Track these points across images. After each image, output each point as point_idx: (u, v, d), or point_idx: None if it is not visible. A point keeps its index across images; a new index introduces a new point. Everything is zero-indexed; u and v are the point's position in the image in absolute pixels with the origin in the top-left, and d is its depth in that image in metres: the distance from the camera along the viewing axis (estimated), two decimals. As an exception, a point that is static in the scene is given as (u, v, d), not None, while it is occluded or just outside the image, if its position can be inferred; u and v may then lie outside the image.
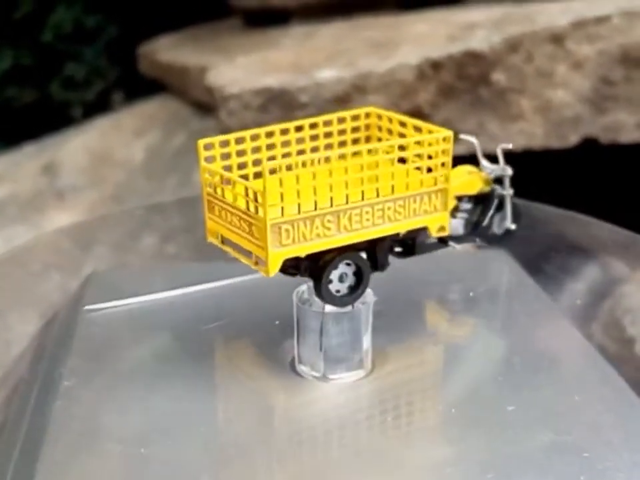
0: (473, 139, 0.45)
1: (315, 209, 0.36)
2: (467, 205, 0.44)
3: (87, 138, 1.13)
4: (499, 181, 0.45)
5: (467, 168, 0.44)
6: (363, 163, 0.37)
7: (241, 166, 0.41)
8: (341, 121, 0.44)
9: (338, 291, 0.39)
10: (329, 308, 0.39)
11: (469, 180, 0.44)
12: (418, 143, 0.39)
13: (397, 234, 0.40)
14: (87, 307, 0.48)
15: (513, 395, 0.38)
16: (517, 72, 0.75)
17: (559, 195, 0.66)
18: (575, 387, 0.40)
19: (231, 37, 1.11)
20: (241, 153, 0.41)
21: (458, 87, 0.75)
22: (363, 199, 0.38)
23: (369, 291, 0.40)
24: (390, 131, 0.44)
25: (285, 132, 0.42)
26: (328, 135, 0.43)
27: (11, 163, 1.13)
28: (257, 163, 0.41)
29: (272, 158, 0.41)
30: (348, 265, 0.39)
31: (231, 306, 0.47)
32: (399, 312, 0.45)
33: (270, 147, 0.42)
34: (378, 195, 0.38)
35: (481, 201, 0.45)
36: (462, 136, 0.45)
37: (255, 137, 0.41)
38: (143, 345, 0.44)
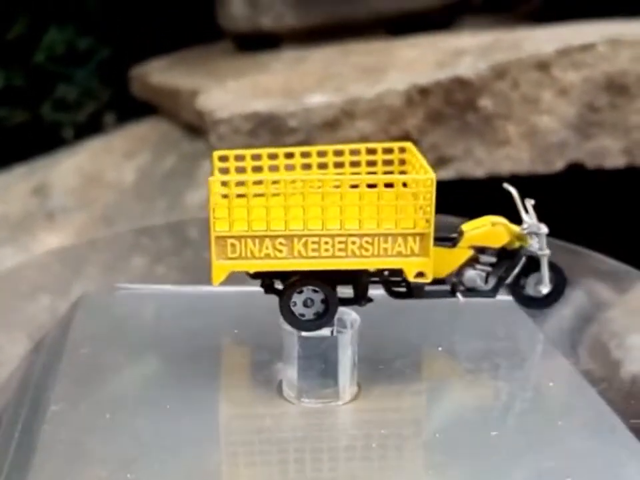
0: (512, 190, 0.43)
1: (267, 229, 0.37)
2: (490, 259, 0.42)
3: (78, 159, 1.13)
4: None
5: (492, 218, 0.43)
6: (325, 192, 0.37)
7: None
8: (371, 152, 0.43)
9: (302, 315, 0.39)
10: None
11: (491, 231, 0.42)
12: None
13: (380, 271, 0.40)
14: (76, 330, 0.48)
15: (497, 420, 0.39)
16: (504, 98, 0.77)
17: (545, 220, 0.67)
18: (558, 412, 0.40)
19: (222, 61, 1.11)
20: (241, 170, 0.42)
21: (445, 112, 0.76)
22: (322, 228, 0.38)
23: (354, 316, 0.40)
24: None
25: (305, 155, 0.43)
26: (355, 164, 0.43)
27: (1, 184, 1.13)
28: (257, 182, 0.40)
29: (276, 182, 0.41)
30: (315, 291, 0.39)
31: (221, 327, 0.48)
32: (385, 344, 0.45)
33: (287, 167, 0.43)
34: (341, 227, 0.38)
35: (510, 256, 0.43)
36: (505, 185, 0.44)
37: (272, 156, 0.42)
38: (131, 368, 0.44)
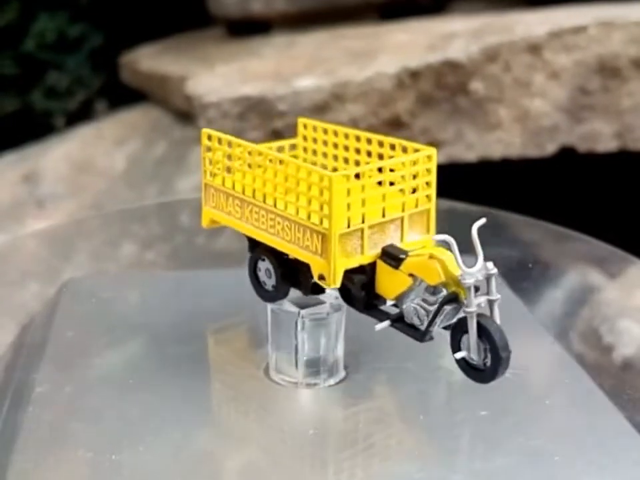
0: (448, 239, 0.35)
1: (232, 188, 0.39)
2: (425, 294, 0.35)
3: (68, 147, 1.12)
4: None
5: (436, 250, 0.35)
6: (274, 169, 0.37)
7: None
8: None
9: (265, 284, 0.40)
10: (303, 311, 0.39)
11: (425, 264, 0.35)
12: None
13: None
14: (62, 313, 0.48)
15: (485, 400, 0.39)
16: (495, 81, 0.76)
17: (536, 204, 0.67)
18: (546, 391, 0.40)
19: (213, 46, 1.11)
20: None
21: (436, 96, 0.75)
22: (264, 201, 0.38)
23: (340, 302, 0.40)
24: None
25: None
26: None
27: (-9, 171, 1.13)
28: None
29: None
30: (273, 264, 0.39)
31: (208, 311, 0.47)
32: (369, 320, 0.45)
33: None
34: (274, 205, 0.38)
35: (448, 301, 0.35)
36: (435, 237, 0.36)
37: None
38: (117, 351, 0.44)
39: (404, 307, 0.36)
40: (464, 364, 0.36)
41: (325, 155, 0.43)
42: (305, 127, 0.44)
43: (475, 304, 0.34)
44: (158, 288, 0.52)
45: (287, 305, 0.40)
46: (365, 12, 1.06)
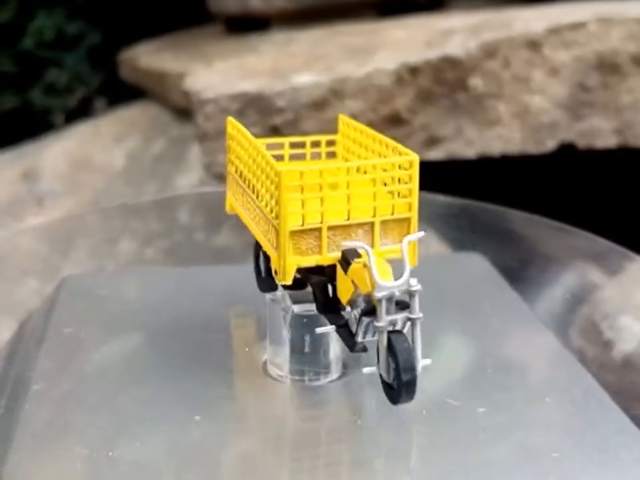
0: (362, 245, 0.34)
1: (238, 173, 0.40)
2: (362, 303, 0.34)
3: (67, 144, 1.12)
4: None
5: (377, 260, 0.34)
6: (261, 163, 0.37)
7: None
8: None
9: (262, 272, 0.41)
10: (295, 306, 0.39)
11: (357, 271, 0.34)
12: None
13: None
14: (59, 310, 0.47)
15: (484, 397, 0.38)
16: (494, 77, 0.76)
17: (536, 200, 0.67)
18: (546, 388, 0.40)
19: (211, 43, 1.11)
20: None
21: (436, 92, 0.75)
22: (253, 191, 0.38)
23: None
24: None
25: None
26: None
27: (-10, 169, 1.12)
28: None
29: None
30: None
31: (207, 307, 0.47)
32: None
33: None
34: (257, 197, 0.38)
35: (365, 313, 0.34)
36: (345, 244, 0.35)
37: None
38: (114, 348, 0.43)
39: (351, 314, 0.35)
40: (382, 379, 0.35)
41: (358, 155, 0.43)
42: (346, 124, 0.44)
43: (387, 319, 0.33)
44: (156, 285, 0.52)
45: (282, 298, 0.39)
46: (363, 9, 1.06)
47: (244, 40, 1.06)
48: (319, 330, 0.36)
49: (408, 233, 0.36)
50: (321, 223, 0.35)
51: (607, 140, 0.79)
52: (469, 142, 0.76)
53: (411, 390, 0.33)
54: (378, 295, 0.32)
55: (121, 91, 1.28)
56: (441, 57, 0.75)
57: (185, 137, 1.00)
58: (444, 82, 0.75)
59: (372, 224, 0.36)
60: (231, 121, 0.42)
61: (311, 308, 0.38)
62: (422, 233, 0.35)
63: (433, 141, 0.76)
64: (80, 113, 1.38)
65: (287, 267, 0.35)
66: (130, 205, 0.79)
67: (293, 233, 0.35)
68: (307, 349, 0.39)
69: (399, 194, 0.37)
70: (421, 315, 0.33)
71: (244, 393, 0.39)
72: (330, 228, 0.36)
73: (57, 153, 1.11)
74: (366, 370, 0.35)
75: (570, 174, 0.88)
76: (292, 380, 0.39)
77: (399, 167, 0.36)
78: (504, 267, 0.54)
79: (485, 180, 0.82)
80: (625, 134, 0.80)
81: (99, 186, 1.02)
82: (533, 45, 0.77)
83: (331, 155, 0.44)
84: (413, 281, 0.33)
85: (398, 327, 0.33)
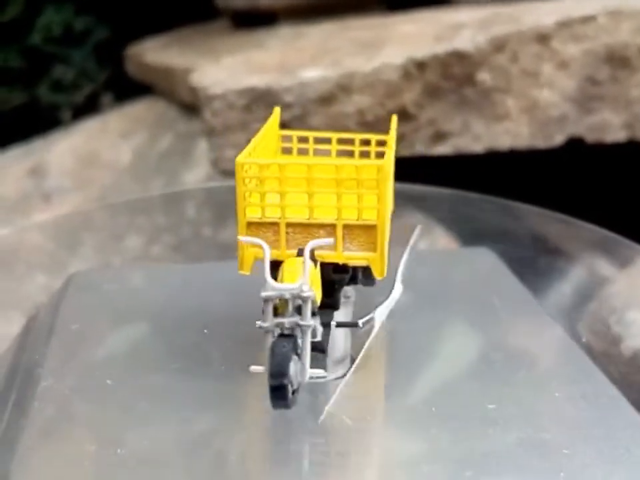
0: (263, 244, 0.34)
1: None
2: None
3: (74, 140, 1.12)
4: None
5: (294, 260, 0.34)
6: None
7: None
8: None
9: None
10: None
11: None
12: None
13: None
14: (66, 306, 0.47)
15: (493, 392, 0.38)
16: (503, 72, 0.75)
17: (545, 194, 0.66)
18: (555, 383, 0.40)
19: (218, 39, 1.10)
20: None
21: (443, 86, 0.75)
22: None
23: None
24: None
25: None
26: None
27: (-2, 165, 1.13)
28: None
29: None
30: None
31: (214, 303, 0.47)
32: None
33: None
34: None
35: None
36: (242, 239, 0.35)
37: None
38: (122, 344, 0.43)
39: None
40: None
41: None
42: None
43: (271, 321, 0.32)
44: (163, 280, 0.52)
45: None
46: (371, 3, 1.05)
47: (251, 35, 1.06)
48: (258, 323, 0.34)
49: (375, 241, 0.35)
50: (280, 218, 0.35)
51: (616, 134, 0.79)
52: (477, 137, 0.76)
53: (278, 396, 0.32)
54: (262, 294, 0.32)
55: (128, 87, 1.28)
56: (449, 52, 0.74)
57: (192, 133, 1.00)
58: (452, 77, 0.75)
59: (334, 226, 0.35)
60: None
61: None
62: (331, 240, 0.34)
63: (440, 136, 0.75)
64: (87, 109, 1.38)
65: (245, 257, 0.36)
66: (136, 199, 0.79)
67: (251, 225, 0.35)
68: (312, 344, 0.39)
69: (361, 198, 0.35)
70: (311, 322, 0.32)
71: (251, 387, 0.39)
72: (290, 225, 0.35)
73: (64, 149, 1.11)
74: (253, 368, 0.34)
75: (579, 168, 0.88)
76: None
77: (353, 171, 0.35)
78: (512, 260, 0.54)
79: (493, 175, 0.81)
80: (635, 128, 0.79)
81: (106, 182, 1.02)
82: (542, 38, 0.76)
83: (380, 155, 0.43)
84: (306, 287, 0.32)
85: (296, 331, 0.32)
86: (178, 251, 0.69)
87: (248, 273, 0.36)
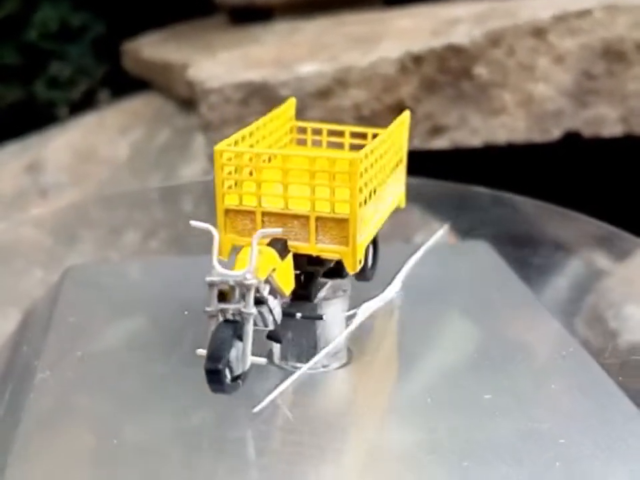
0: (212, 230, 0.34)
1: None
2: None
3: (71, 136, 1.12)
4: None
5: (245, 251, 0.34)
6: None
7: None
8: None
9: None
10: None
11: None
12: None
13: None
14: (63, 300, 0.47)
15: (491, 383, 0.38)
16: (499, 66, 0.75)
17: (543, 188, 0.66)
18: (552, 375, 0.40)
19: (215, 34, 1.10)
20: None
21: (440, 80, 0.75)
22: None
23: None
24: None
25: None
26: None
27: (-5, 161, 1.12)
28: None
29: None
30: None
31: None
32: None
33: None
34: None
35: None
36: (194, 223, 0.35)
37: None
38: (118, 337, 0.43)
39: None
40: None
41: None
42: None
43: (215, 306, 0.33)
44: (160, 274, 0.51)
45: None
46: (368, -2, 1.05)
47: (247, 31, 1.06)
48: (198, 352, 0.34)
49: (347, 235, 0.35)
50: (255, 206, 0.36)
51: (612, 128, 0.79)
52: (474, 131, 0.76)
53: (213, 379, 0.32)
54: (206, 278, 0.32)
55: (125, 83, 1.27)
56: (446, 46, 0.74)
57: (189, 128, 0.99)
58: (448, 71, 0.75)
59: (308, 218, 0.36)
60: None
61: None
62: (279, 230, 0.34)
63: (437, 130, 0.75)
64: (84, 105, 1.38)
65: (223, 243, 0.36)
66: (133, 192, 0.79)
67: (230, 212, 0.36)
68: (311, 336, 0.39)
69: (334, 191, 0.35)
70: (253, 310, 0.33)
71: (250, 378, 0.39)
72: (266, 214, 0.36)
73: (61, 144, 1.11)
74: (199, 351, 0.34)
75: (576, 162, 0.88)
76: (293, 367, 0.39)
77: (338, 165, 0.35)
78: (509, 253, 0.54)
79: (490, 170, 0.82)
80: (631, 122, 0.79)
81: (104, 177, 1.02)
82: (538, 32, 0.76)
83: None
84: (249, 275, 0.32)
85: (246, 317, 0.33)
86: (175, 245, 0.69)
87: (226, 259, 0.36)
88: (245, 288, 0.32)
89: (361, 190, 0.35)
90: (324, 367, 0.39)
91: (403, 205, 0.43)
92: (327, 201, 0.35)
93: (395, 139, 0.40)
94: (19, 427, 0.36)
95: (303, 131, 0.45)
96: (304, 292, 0.36)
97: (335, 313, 0.39)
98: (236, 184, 0.37)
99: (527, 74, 0.76)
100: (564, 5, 0.79)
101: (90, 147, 1.08)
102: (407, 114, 0.42)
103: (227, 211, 0.36)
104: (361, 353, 0.41)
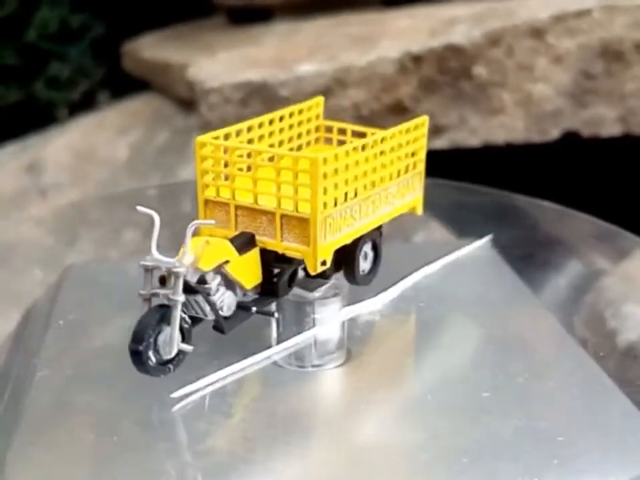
0: (153, 214, 0.35)
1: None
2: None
3: (71, 136, 1.12)
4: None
5: (197, 240, 0.35)
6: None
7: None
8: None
9: None
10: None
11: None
12: None
13: None
14: (63, 298, 0.48)
15: (489, 382, 0.38)
16: (498, 66, 0.76)
17: (542, 188, 0.67)
18: (550, 373, 0.40)
19: (214, 34, 1.11)
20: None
21: (439, 80, 0.75)
22: None
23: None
24: None
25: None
26: None
27: (-6, 162, 1.13)
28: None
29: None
30: None
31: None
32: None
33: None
34: None
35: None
36: (140, 209, 0.35)
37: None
38: (117, 336, 0.43)
39: None
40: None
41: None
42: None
43: (148, 289, 0.34)
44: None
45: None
46: (367, -1, 1.05)
47: (247, 31, 1.06)
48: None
49: (308, 235, 0.36)
50: (229, 199, 0.37)
51: (611, 128, 0.79)
52: (473, 131, 0.76)
53: (135, 360, 0.34)
54: (140, 262, 0.34)
55: (124, 83, 1.27)
56: (445, 46, 0.74)
57: (189, 128, 1.00)
58: (447, 71, 0.75)
59: (274, 214, 0.36)
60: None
61: (302, 295, 0.39)
62: (212, 221, 0.35)
63: (436, 130, 0.76)
64: (83, 105, 1.38)
65: (201, 233, 0.37)
66: (130, 190, 0.79)
67: (208, 202, 0.37)
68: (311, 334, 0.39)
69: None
70: (180, 298, 0.34)
71: (250, 376, 0.39)
72: (239, 207, 0.37)
73: (60, 145, 1.11)
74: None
75: (575, 163, 0.88)
76: (290, 365, 0.39)
77: (301, 164, 0.35)
78: (508, 253, 0.54)
79: (489, 170, 0.82)
80: (629, 122, 0.79)
81: (103, 178, 1.02)
82: (537, 32, 0.77)
83: None
84: (178, 264, 0.33)
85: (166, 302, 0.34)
86: (175, 245, 0.69)
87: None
88: (174, 275, 0.33)
89: (326, 191, 0.35)
90: (313, 366, 0.39)
91: (419, 211, 0.43)
92: (287, 199, 0.36)
93: (403, 143, 0.40)
94: (19, 425, 0.36)
95: (329, 130, 0.45)
96: (270, 287, 0.37)
97: (330, 313, 0.39)
98: (215, 177, 0.37)
99: (525, 74, 0.76)
100: (563, 5, 0.79)
101: (89, 147, 1.08)
102: (424, 119, 0.42)
103: (207, 202, 0.38)
104: (360, 352, 0.41)
